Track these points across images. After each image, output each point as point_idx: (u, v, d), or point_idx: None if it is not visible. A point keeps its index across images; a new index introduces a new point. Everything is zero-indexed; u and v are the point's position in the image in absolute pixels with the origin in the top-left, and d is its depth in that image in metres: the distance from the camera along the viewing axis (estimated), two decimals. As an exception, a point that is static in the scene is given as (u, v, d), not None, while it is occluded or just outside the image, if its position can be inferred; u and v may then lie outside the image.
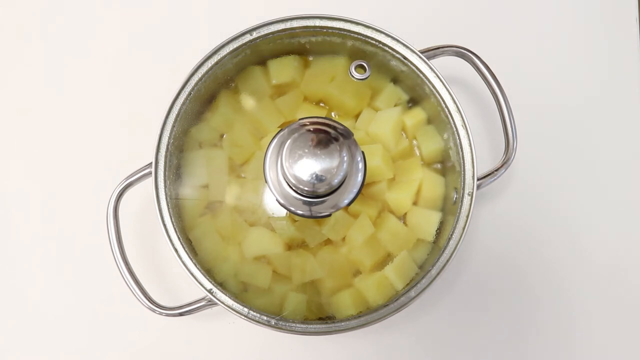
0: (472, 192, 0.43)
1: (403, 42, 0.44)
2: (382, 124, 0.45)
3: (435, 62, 0.45)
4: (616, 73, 0.56)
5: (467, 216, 0.43)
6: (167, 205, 0.43)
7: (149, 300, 0.44)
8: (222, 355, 0.52)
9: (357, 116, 0.46)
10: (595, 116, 0.56)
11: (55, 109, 0.55)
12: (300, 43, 0.46)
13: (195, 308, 0.44)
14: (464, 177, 0.44)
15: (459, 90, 0.54)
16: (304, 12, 0.44)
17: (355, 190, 0.38)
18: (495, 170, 0.46)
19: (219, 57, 0.44)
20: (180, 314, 0.44)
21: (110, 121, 0.55)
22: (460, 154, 0.44)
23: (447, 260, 0.42)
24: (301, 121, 0.38)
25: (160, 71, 0.55)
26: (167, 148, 0.43)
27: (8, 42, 0.56)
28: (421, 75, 0.45)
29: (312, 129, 0.37)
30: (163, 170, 0.43)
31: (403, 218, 0.45)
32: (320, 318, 0.44)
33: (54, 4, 0.57)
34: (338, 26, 0.44)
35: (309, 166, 0.36)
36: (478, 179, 0.44)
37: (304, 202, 0.38)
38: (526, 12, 0.58)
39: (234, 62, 0.45)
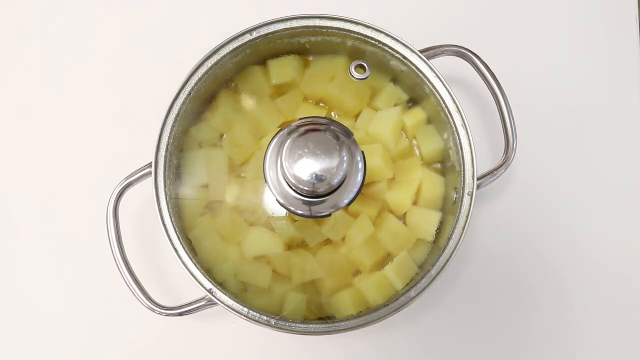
0: (472, 192, 0.43)
1: (403, 42, 0.44)
2: (382, 124, 0.45)
3: (435, 62, 0.45)
4: (616, 73, 0.56)
5: (467, 216, 0.43)
6: (167, 205, 0.43)
7: (149, 300, 0.44)
8: (222, 355, 0.52)
9: (357, 116, 0.46)
10: (595, 116, 0.56)
11: (55, 109, 0.55)
12: (300, 43, 0.46)
13: (195, 308, 0.44)
14: (464, 177, 0.44)
15: (459, 90, 0.54)
16: (304, 12, 0.44)
17: (355, 190, 0.38)
18: (495, 170, 0.46)
19: (219, 57, 0.44)
20: (180, 314, 0.44)
21: (111, 121, 0.55)
22: (460, 154, 0.44)
23: (447, 260, 0.42)
24: (301, 121, 0.38)
25: (160, 71, 0.55)
26: (167, 148, 0.43)
27: (8, 42, 0.56)
28: (421, 75, 0.45)
29: (312, 129, 0.37)
30: (163, 170, 0.43)
31: (403, 218, 0.45)
32: (320, 318, 0.44)
33: (54, 4, 0.57)
34: (338, 26, 0.44)
35: (309, 166, 0.36)
36: (478, 179, 0.44)
37: (304, 202, 0.38)
38: (526, 12, 0.58)
39: (234, 62, 0.45)
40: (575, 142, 0.55)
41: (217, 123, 0.46)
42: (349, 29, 0.44)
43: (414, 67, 0.45)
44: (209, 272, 0.43)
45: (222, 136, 0.46)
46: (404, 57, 0.45)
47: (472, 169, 0.43)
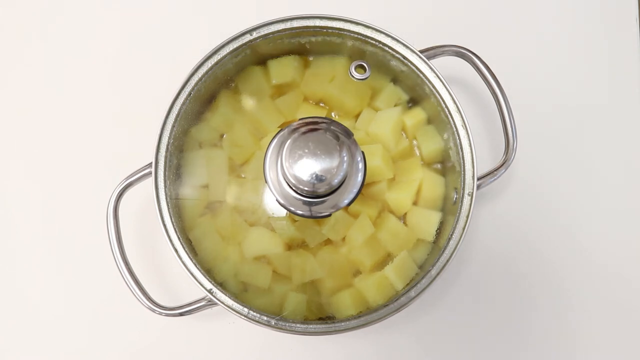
0: (472, 192, 0.43)
1: (403, 42, 0.44)
2: (382, 124, 0.45)
3: (435, 62, 0.45)
4: (616, 73, 0.56)
5: (467, 216, 0.43)
6: (167, 205, 0.43)
7: (149, 300, 0.44)
8: (222, 355, 0.52)
9: (357, 116, 0.46)
10: (595, 116, 0.56)
11: (55, 109, 0.55)
12: (300, 43, 0.46)
13: (195, 308, 0.44)
14: (464, 177, 0.44)
15: (459, 90, 0.54)
16: (304, 12, 0.44)
17: (355, 190, 0.38)
18: (495, 170, 0.46)
19: (219, 57, 0.44)
20: (180, 314, 0.44)
21: (111, 121, 0.55)
22: (460, 154, 0.44)
23: (447, 260, 0.42)
24: (301, 121, 0.38)
25: (160, 71, 0.55)
26: (167, 148, 0.43)
27: (8, 42, 0.56)
28: (421, 75, 0.45)
29: (312, 129, 0.37)
30: (163, 170, 0.43)
31: (403, 218, 0.45)
32: (320, 318, 0.44)
33: (54, 4, 0.57)
34: (338, 26, 0.44)
35: (309, 166, 0.36)
36: (478, 179, 0.44)
37: (304, 202, 0.38)
38: (526, 12, 0.58)
39: (234, 62, 0.45)
40: (575, 142, 0.55)
41: (217, 123, 0.46)
42: (349, 29, 0.44)
43: (414, 67, 0.45)
44: (209, 272, 0.43)
45: (222, 136, 0.46)
46: (404, 57, 0.45)
47: (472, 169, 0.43)
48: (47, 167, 0.54)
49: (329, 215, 0.38)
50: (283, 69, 0.46)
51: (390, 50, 0.45)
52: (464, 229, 0.43)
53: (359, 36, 0.45)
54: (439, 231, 0.45)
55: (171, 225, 0.43)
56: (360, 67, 0.44)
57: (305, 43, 0.46)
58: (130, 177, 0.44)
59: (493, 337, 0.53)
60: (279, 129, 0.40)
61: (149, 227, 0.52)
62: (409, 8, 0.57)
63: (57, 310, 0.52)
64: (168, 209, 0.43)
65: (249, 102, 0.47)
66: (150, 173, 0.44)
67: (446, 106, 0.44)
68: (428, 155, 0.46)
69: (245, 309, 0.42)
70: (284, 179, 0.37)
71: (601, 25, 0.57)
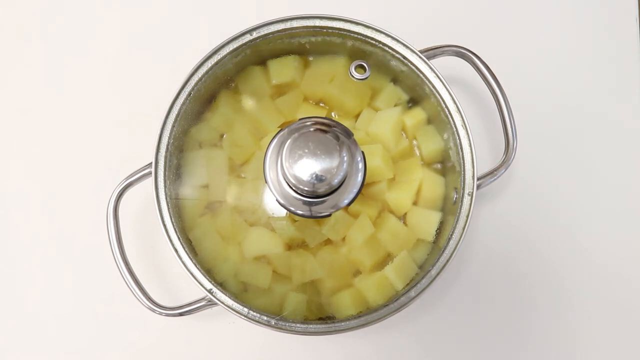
0: (472, 192, 0.43)
1: (403, 42, 0.44)
2: (382, 124, 0.45)
3: (435, 62, 0.45)
4: (616, 73, 0.56)
5: (467, 216, 0.43)
6: (167, 205, 0.43)
7: (149, 300, 0.44)
8: (222, 355, 0.52)
9: (357, 116, 0.46)
10: (595, 116, 0.56)
11: (55, 109, 0.55)
12: (300, 43, 0.46)
13: (195, 308, 0.44)
14: (464, 177, 0.44)
15: (459, 90, 0.54)
16: (304, 12, 0.44)
17: (355, 190, 0.38)
18: (495, 170, 0.46)
19: (219, 57, 0.44)
20: (180, 314, 0.44)
21: (111, 121, 0.55)
22: (460, 154, 0.44)
23: (447, 260, 0.42)
24: (301, 121, 0.38)
25: (160, 71, 0.55)
26: (167, 148, 0.43)
27: (8, 42, 0.56)
28: (421, 75, 0.45)
29: (312, 129, 0.37)
30: (163, 170, 0.43)
31: (403, 218, 0.45)
32: (320, 318, 0.44)
33: (54, 4, 0.57)
34: (338, 26, 0.44)
35: (309, 166, 0.36)
36: (478, 179, 0.44)
37: (304, 202, 0.38)
38: (526, 12, 0.58)
39: (234, 62, 0.45)
40: (575, 142, 0.55)
41: (217, 123, 0.46)
42: (349, 29, 0.44)
43: (414, 67, 0.45)
44: (209, 272, 0.43)
45: (222, 136, 0.46)
46: (404, 57, 0.45)
47: (472, 169, 0.43)
48: (47, 167, 0.54)
49: (329, 215, 0.38)
50: (283, 69, 0.46)
51: (390, 50, 0.45)
52: (464, 229, 0.43)
53: (359, 36, 0.45)
54: (439, 231, 0.45)
55: (171, 225, 0.43)
56: (360, 67, 0.44)
57: (305, 43, 0.46)
58: (130, 177, 0.44)
59: (493, 337, 0.53)
60: (279, 129, 0.40)
61: (149, 227, 0.52)
62: (409, 8, 0.57)
63: (57, 310, 0.52)
64: (168, 209, 0.43)
65: (249, 102, 0.47)
66: (150, 173, 0.44)
67: (446, 106, 0.44)
68: (428, 155, 0.46)
69: (245, 309, 0.42)
70: (284, 179, 0.37)
71: (601, 26, 0.57)
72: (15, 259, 0.53)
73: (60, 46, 0.56)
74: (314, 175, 0.36)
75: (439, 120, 0.46)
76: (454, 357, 0.52)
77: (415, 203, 0.45)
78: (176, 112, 0.43)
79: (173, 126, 0.43)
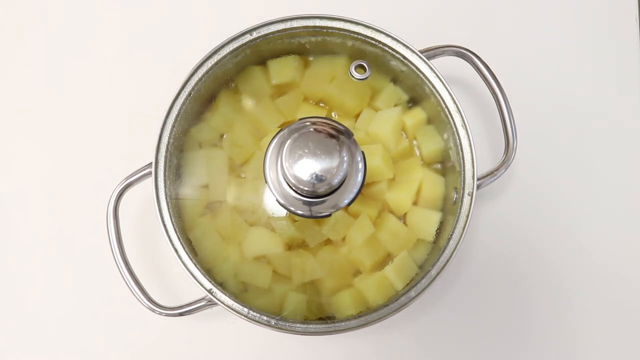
0: (472, 192, 0.43)
1: (403, 42, 0.44)
2: (382, 124, 0.45)
3: (435, 62, 0.45)
4: (616, 73, 0.56)
5: (467, 216, 0.43)
6: (167, 205, 0.43)
7: (149, 300, 0.44)
8: (222, 355, 0.52)
9: (357, 116, 0.46)
10: (595, 116, 0.56)
11: (55, 109, 0.55)
12: (300, 43, 0.46)
13: (195, 308, 0.44)
14: (464, 177, 0.44)
15: (459, 90, 0.54)
16: (304, 12, 0.44)
17: (355, 190, 0.38)
18: (495, 170, 0.46)
19: (219, 57, 0.44)
20: (180, 314, 0.44)
21: (110, 121, 0.55)
22: (460, 154, 0.44)
23: (447, 260, 0.42)
24: (301, 121, 0.38)
25: (160, 71, 0.55)
26: (167, 148, 0.43)
27: (8, 42, 0.56)
28: (421, 75, 0.45)
29: (312, 129, 0.37)
30: (163, 170, 0.43)
31: (403, 218, 0.45)
32: (320, 318, 0.44)
33: (54, 3, 0.57)
34: (338, 26, 0.44)
35: (309, 166, 0.36)
36: (478, 179, 0.44)
37: (304, 202, 0.38)
38: (526, 12, 0.58)
39: (234, 62, 0.45)
40: (575, 142, 0.55)
41: (217, 123, 0.46)
42: (349, 29, 0.44)
43: (414, 67, 0.45)
44: (209, 272, 0.43)
45: (222, 136, 0.46)
46: (404, 57, 0.45)
47: (472, 169, 0.43)
48: (47, 167, 0.54)
49: (329, 215, 0.38)
50: (283, 69, 0.46)
51: (390, 50, 0.45)
52: (464, 229, 0.43)
53: (359, 36, 0.45)
54: (439, 231, 0.45)
55: (171, 225, 0.43)
56: (360, 67, 0.44)
57: (305, 43, 0.46)
58: (130, 177, 0.44)
59: (493, 337, 0.53)
60: (279, 129, 0.40)
61: (149, 227, 0.52)
62: (409, 8, 0.57)
63: (57, 310, 0.52)
64: (168, 209, 0.43)
65: (249, 102, 0.47)
66: (150, 173, 0.44)
67: (446, 106, 0.44)
68: (428, 155, 0.46)
69: (245, 309, 0.42)
70: (284, 179, 0.37)
71: (601, 26, 0.57)
72: (15, 259, 0.53)
73: (60, 46, 0.56)
74: (314, 175, 0.36)
75: (439, 120, 0.46)
76: (454, 357, 0.52)
77: (415, 203, 0.45)
78: (176, 112, 0.43)
79: (173, 126, 0.43)
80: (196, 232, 0.44)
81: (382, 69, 0.47)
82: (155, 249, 0.52)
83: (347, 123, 0.45)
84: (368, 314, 0.42)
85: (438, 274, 0.42)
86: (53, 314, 0.52)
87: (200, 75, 0.44)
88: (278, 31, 0.44)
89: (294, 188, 0.37)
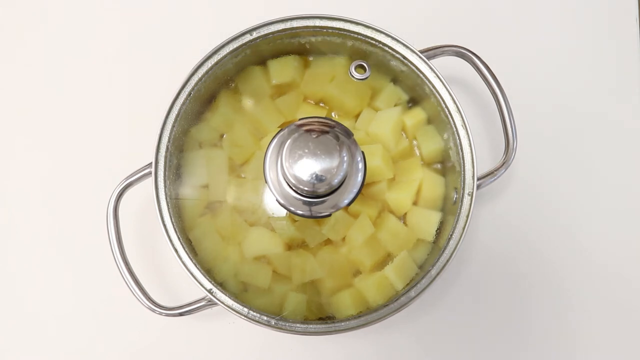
0: (472, 192, 0.43)
1: (403, 42, 0.44)
2: (382, 124, 0.45)
3: (435, 62, 0.45)
4: (616, 73, 0.56)
5: (467, 216, 0.43)
6: (167, 205, 0.43)
7: (149, 300, 0.44)
8: (222, 355, 0.52)
9: (357, 116, 0.46)
10: (595, 116, 0.56)
11: (55, 109, 0.55)
12: (300, 43, 0.46)
13: (195, 308, 0.44)
14: (464, 177, 0.44)
15: (459, 90, 0.54)
16: (304, 12, 0.44)
17: (355, 190, 0.38)
18: (495, 170, 0.46)
19: (219, 57, 0.44)
20: (180, 314, 0.44)
21: (110, 121, 0.55)
22: (460, 154, 0.44)
23: (447, 260, 0.42)
24: (301, 121, 0.38)
25: (160, 71, 0.55)
26: (167, 148, 0.43)
27: (8, 42, 0.56)
28: (421, 75, 0.45)
29: (312, 129, 0.37)
30: (163, 170, 0.43)
31: (403, 218, 0.45)
32: (320, 318, 0.44)
33: (54, 3, 0.57)
34: (338, 26, 0.44)
35: (309, 166, 0.36)
36: (478, 179, 0.44)
37: (304, 202, 0.38)
38: (526, 12, 0.58)
39: (234, 62, 0.45)
40: (575, 142, 0.55)
41: (217, 123, 0.46)
42: (349, 29, 0.44)
43: (414, 67, 0.45)
44: (209, 272, 0.43)
45: (222, 136, 0.46)
46: (404, 57, 0.45)
47: (472, 169, 0.43)
48: (47, 167, 0.54)
49: (329, 215, 0.38)
50: (283, 69, 0.46)
51: (390, 50, 0.45)
52: (464, 229, 0.43)
53: (359, 36, 0.45)
54: (439, 231, 0.45)
55: (171, 225, 0.43)
56: (360, 67, 0.44)
57: (305, 43, 0.46)
58: (130, 177, 0.44)
59: (493, 337, 0.53)
60: (279, 129, 0.40)
61: (149, 227, 0.52)
62: (409, 8, 0.57)
63: (57, 310, 0.52)
64: (168, 209, 0.43)
65: (249, 102, 0.47)
66: (150, 173, 0.44)
67: (446, 106, 0.44)
68: (428, 155, 0.46)
69: (245, 309, 0.42)
70: (284, 179, 0.37)
71: (601, 25, 0.57)
72: (15, 259, 0.53)
73: (60, 46, 0.56)
74: (314, 175, 0.36)
75: (439, 120, 0.46)
76: (454, 357, 0.52)
77: (415, 203, 0.45)
78: (176, 112, 0.43)
79: (173, 126, 0.43)
80: (196, 232, 0.44)
81: (382, 69, 0.47)
82: (155, 249, 0.52)
83: (347, 123, 0.45)
84: (368, 314, 0.42)
85: (438, 274, 0.42)
86: (53, 314, 0.52)
87: (200, 75, 0.44)
88: (278, 31, 0.44)
89: (294, 188, 0.37)
